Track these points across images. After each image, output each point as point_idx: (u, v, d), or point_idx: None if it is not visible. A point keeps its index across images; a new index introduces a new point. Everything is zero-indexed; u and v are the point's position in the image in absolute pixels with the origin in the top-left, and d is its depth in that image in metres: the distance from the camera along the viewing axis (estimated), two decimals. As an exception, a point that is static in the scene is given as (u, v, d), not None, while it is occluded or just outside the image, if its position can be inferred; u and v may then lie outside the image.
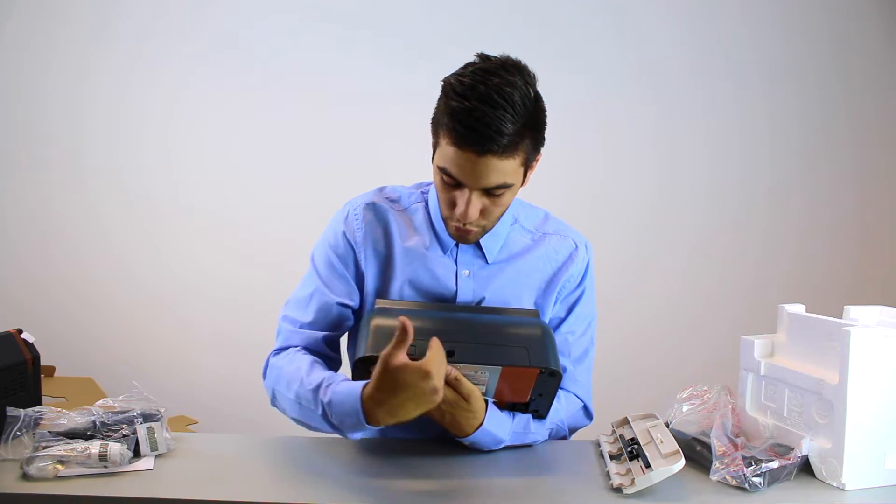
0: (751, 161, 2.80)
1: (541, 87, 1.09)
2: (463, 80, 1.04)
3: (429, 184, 1.27)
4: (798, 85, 2.77)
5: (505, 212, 1.18)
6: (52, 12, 2.76)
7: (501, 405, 1.11)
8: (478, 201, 1.09)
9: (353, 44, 2.71)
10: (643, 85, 2.78)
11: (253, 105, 2.78)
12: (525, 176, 1.14)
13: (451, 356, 1.00)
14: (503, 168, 1.06)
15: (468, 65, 1.09)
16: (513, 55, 1.10)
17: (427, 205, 1.26)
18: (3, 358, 1.17)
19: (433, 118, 1.12)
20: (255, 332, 2.71)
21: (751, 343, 1.10)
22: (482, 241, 1.22)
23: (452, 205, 1.12)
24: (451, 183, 1.09)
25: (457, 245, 1.22)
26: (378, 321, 1.07)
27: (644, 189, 2.80)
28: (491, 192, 1.09)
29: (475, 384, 1.05)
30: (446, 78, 1.08)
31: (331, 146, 2.75)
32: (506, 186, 1.09)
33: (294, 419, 1.16)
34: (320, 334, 1.23)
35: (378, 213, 1.25)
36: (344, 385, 1.03)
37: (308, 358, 1.16)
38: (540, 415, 1.13)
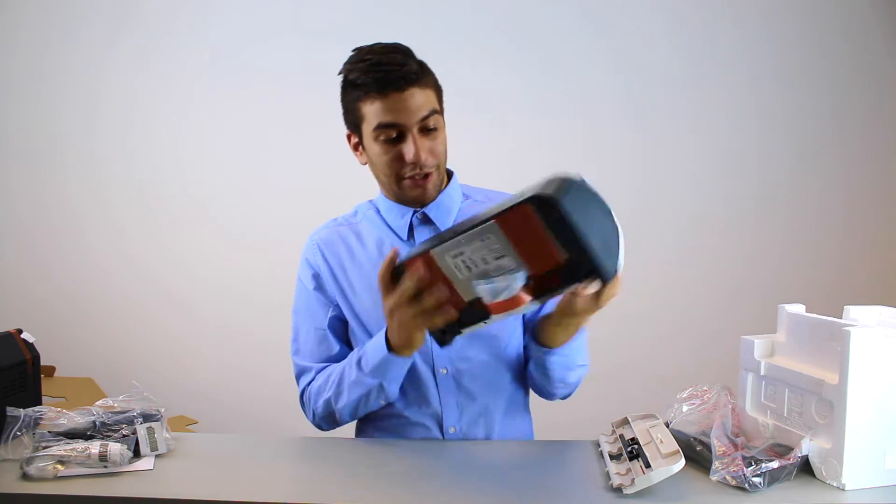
0: (750, 161, 2.80)
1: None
2: (357, 56, 1.19)
3: (376, 199, 1.34)
4: (794, 85, 2.77)
5: (446, 163, 1.26)
6: (66, 17, 2.77)
7: (552, 285, 0.92)
8: (421, 142, 1.18)
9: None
10: (639, 86, 2.78)
11: (262, 104, 2.79)
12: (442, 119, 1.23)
13: (442, 240, 0.95)
14: (426, 97, 1.17)
15: (351, 54, 1.21)
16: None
17: (378, 211, 1.31)
18: (3, 358, 1.17)
19: (346, 110, 1.23)
20: (256, 332, 2.73)
21: (751, 343, 1.10)
22: (432, 216, 1.26)
23: (401, 158, 1.18)
24: (391, 138, 1.17)
25: (410, 230, 1.27)
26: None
27: (643, 190, 2.80)
28: (427, 129, 1.18)
29: (507, 282, 0.92)
30: (341, 70, 1.21)
31: (338, 143, 2.75)
32: (437, 113, 1.19)
33: (349, 409, 1.20)
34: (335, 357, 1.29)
35: (334, 237, 1.32)
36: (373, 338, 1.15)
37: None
38: (600, 266, 0.88)
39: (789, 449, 0.99)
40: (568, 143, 2.75)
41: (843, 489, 0.95)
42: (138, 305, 2.85)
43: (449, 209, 1.28)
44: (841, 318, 1.07)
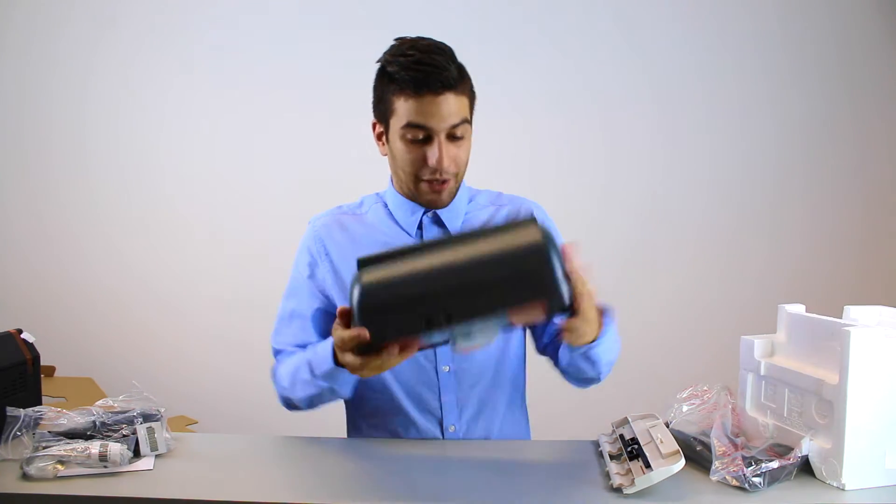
0: (751, 161, 2.80)
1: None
2: (399, 48, 1.17)
3: (384, 192, 1.32)
4: (801, 84, 2.77)
5: (465, 171, 1.24)
6: (53, 13, 2.76)
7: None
8: (447, 148, 1.17)
9: (353, 45, 2.71)
10: (647, 84, 2.78)
11: (256, 107, 2.79)
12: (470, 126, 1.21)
13: (450, 320, 0.90)
14: (459, 104, 1.16)
15: (393, 44, 1.19)
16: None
17: (385, 204, 1.30)
18: (3, 358, 1.17)
19: (378, 99, 1.21)
20: (256, 332, 2.70)
21: (751, 343, 1.10)
22: (443, 217, 1.26)
23: (423, 161, 1.17)
24: (418, 138, 1.16)
25: (420, 228, 1.26)
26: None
27: (645, 189, 2.80)
28: (454, 136, 1.17)
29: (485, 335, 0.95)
30: (380, 59, 1.19)
31: (334, 146, 2.75)
32: (467, 122, 1.18)
33: (305, 403, 1.19)
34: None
35: (336, 225, 1.30)
36: (324, 341, 1.10)
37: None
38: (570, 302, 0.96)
39: (789, 449, 0.99)
40: (586, 143, 2.75)
41: (843, 489, 0.95)
42: (139, 306, 2.84)
43: (458, 212, 1.28)
44: (841, 318, 1.07)
